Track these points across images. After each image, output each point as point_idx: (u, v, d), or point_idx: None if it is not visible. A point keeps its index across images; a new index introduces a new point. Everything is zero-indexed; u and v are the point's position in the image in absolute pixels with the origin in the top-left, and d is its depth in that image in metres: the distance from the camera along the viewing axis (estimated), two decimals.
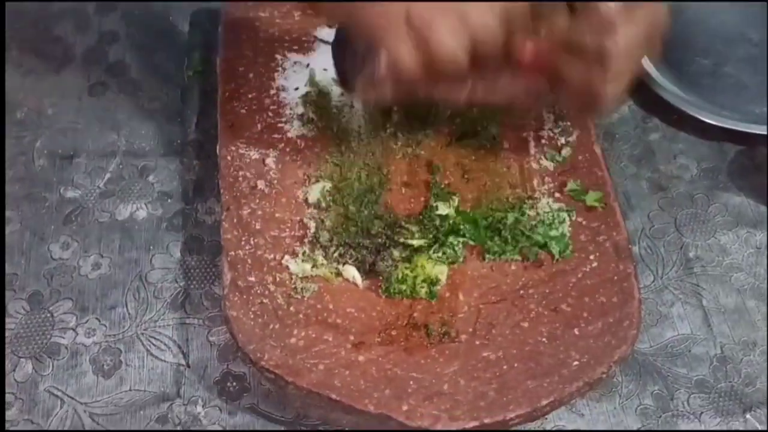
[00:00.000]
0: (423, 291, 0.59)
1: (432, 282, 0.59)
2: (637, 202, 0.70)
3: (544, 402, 0.53)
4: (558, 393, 0.53)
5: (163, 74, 0.77)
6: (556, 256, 0.61)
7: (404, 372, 0.54)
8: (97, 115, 0.74)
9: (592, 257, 0.61)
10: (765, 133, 0.72)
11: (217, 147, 0.65)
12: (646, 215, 0.69)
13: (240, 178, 0.63)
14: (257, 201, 0.62)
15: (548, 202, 0.64)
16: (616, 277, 0.59)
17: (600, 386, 0.59)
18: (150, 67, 0.77)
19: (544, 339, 0.57)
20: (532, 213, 0.63)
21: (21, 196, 0.69)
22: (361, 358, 0.55)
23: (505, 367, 0.55)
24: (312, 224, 0.62)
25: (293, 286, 0.58)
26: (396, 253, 0.60)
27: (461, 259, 0.61)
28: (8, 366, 0.60)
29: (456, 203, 0.63)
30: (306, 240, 0.61)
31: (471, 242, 0.61)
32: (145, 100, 0.75)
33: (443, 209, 0.62)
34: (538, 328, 0.57)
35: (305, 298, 0.58)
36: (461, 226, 0.61)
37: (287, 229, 0.61)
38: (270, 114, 0.67)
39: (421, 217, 0.62)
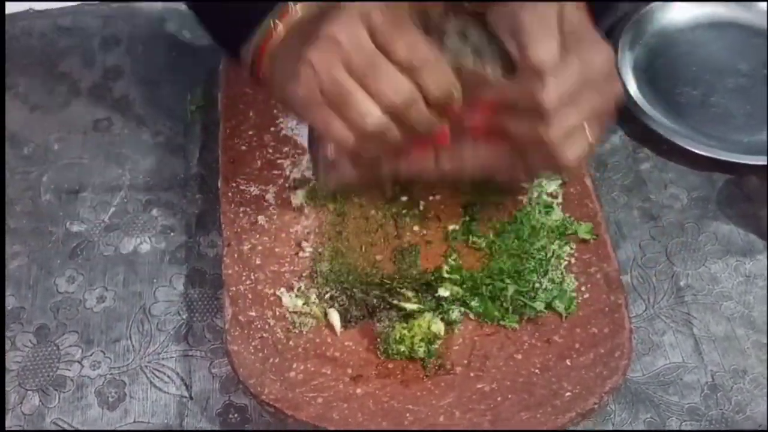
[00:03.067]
0: (421, 350, 0.58)
1: (430, 341, 0.59)
2: (628, 231, 0.72)
3: None
4: (551, 424, 0.55)
5: (166, 109, 0.79)
6: (564, 314, 0.61)
7: (401, 405, 0.56)
8: (102, 150, 0.76)
9: (583, 289, 0.62)
10: (753, 162, 0.73)
11: (219, 183, 0.67)
12: (638, 244, 0.71)
13: (241, 214, 0.65)
14: (257, 236, 0.64)
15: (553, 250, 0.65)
16: (607, 308, 0.61)
17: (593, 416, 0.60)
18: (154, 103, 0.79)
19: (537, 370, 0.58)
20: (533, 278, 0.62)
21: (28, 230, 0.71)
22: (359, 391, 0.57)
23: (499, 398, 0.57)
24: (309, 262, 0.63)
25: (290, 321, 0.60)
26: (393, 314, 0.60)
27: (459, 322, 0.61)
28: (16, 398, 0.62)
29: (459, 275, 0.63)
30: (303, 275, 0.62)
31: (471, 313, 0.61)
32: (148, 134, 0.77)
33: (444, 291, 0.61)
34: (531, 360, 0.59)
35: (304, 332, 0.59)
36: (464, 298, 0.61)
37: (286, 264, 0.63)
38: (270, 150, 0.69)
39: (417, 286, 0.62)
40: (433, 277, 0.62)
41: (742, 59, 0.82)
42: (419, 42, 0.52)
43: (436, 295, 0.61)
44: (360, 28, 0.51)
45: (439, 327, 0.60)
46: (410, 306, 0.60)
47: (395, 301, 0.60)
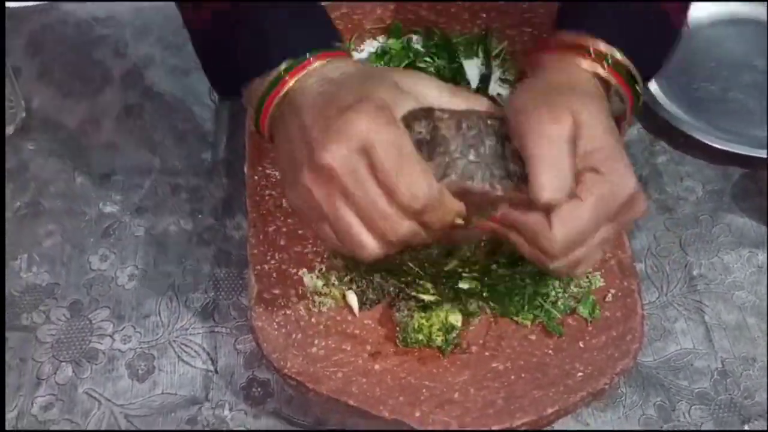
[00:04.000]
0: (439, 339, 0.59)
1: (447, 330, 0.60)
2: (644, 222, 0.73)
3: (549, 411, 0.56)
4: (563, 402, 0.57)
5: (195, 97, 0.81)
6: (588, 319, 0.61)
7: (417, 380, 0.58)
8: (133, 135, 0.79)
9: (597, 274, 0.64)
10: None
11: (245, 167, 0.70)
12: (653, 235, 0.73)
13: (266, 197, 0.67)
14: (282, 218, 0.66)
15: None
16: (620, 294, 0.62)
17: (604, 397, 0.62)
18: (183, 90, 0.82)
19: (550, 351, 0.60)
20: (555, 282, 0.62)
21: (62, 211, 0.73)
22: (377, 366, 0.59)
23: (512, 377, 0.58)
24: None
25: (312, 300, 0.62)
26: (412, 303, 0.61)
27: (476, 314, 0.62)
28: (50, 369, 0.64)
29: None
30: (325, 257, 0.64)
31: (488, 309, 0.62)
32: (178, 121, 0.80)
33: (465, 284, 0.62)
34: (544, 341, 0.60)
35: (325, 310, 0.61)
36: (482, 292, 0.62)
37: (309, 245, 0.65)
38: None
39: (437, 277, 0.62)
40: (455, 268, 0.63)
41: (759, 56, 0.84)
42: (422, 182, 0.48)
43: (456, 287, 0.62)
44: (358, 161, 0.47)
45: (456, 318, 0.61)
46: (428, 297, 0.61)
47: (414, 293, 0.62)
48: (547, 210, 0.49)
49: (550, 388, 0.57)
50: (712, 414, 0.63)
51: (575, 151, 0.50)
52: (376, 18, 0.80)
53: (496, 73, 0.77)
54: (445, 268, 0.63)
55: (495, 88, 0.76)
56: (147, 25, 0.87)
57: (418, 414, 0.56)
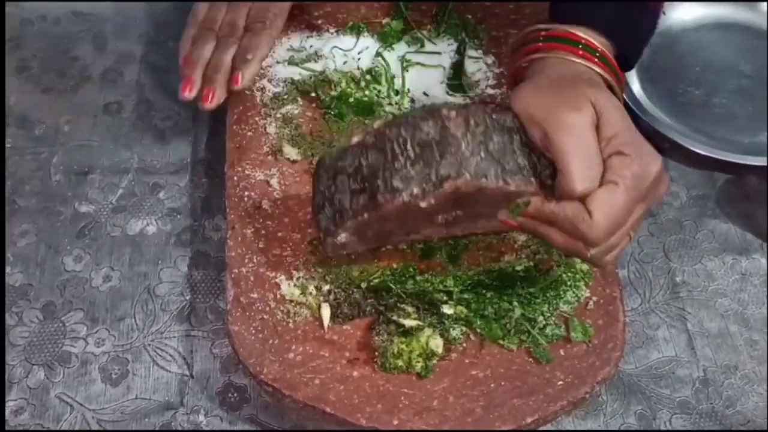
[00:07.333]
0: (419, 365, 0.58)
1: (428, 356, 0.58)
2: None
3: (529, 420, 0.56)
4: (542, 411, 0.56)
5: (175, 95, 0.79)
6: (585, 340, 0.60)
7: (396, 388, 0.57)
8: (111, 133, 0.77)
9: (582, 283, 0.63)
10: (753, 163, 0.74)
11: (225, 167, 0.68)
12: (636, 240, 0.72)
13: (245, 198, 0.66)
14: (261, 220, 0.65)
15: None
16: (602, 301, 0.62)
17: (584, 405, 0.61)
18: (163, 88, 0.80)
19: (530, 359, 0.59)
20: (543, 308, 0.61)
21: (37, 209, 0.72)
22: (356, 373, 0.58)
23: (492, 385, 0.58)
24: (309, 247, 0.64)
25: (287, 310, 0.61)
26: (392, 327, 0.59)
27: (458, 340, 0.60)
28: (21, 372, 0.63)
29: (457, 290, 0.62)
30: (304, 261, 0.63)
31: (471, 334, 0.60)
32: (157, 119, 0.78)
33: (448, 309, 0.60)
34: (525, 349, 0.60)
35: (299, 321, 0.60)
36: (468, 318, 0.60)
37: (288, 248, 0.64)
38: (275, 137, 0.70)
39: (419, 299, 0.61)
40: (438, 291, 0.61)
41: (745, 60, 0.83)
42: None
43: (439, 312, 0.60)
44: None
45: (437, 344, 0.59)
46: (409, 323, 0.59)
47: (394, 317, 0.60)
48: (581, 199, 0.51)
49: (530, 396, 0.57)
50: (693, 423, 0.62)
51: (600, 137, 0.51)
52: (361, 17, 0.79)
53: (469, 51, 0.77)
54: (434, 295, 0.61)
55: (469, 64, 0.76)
56: (128, 22, 0.86)
57: (395, 422, 0.55)
